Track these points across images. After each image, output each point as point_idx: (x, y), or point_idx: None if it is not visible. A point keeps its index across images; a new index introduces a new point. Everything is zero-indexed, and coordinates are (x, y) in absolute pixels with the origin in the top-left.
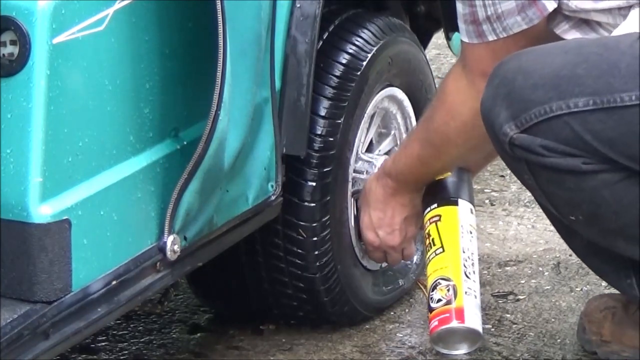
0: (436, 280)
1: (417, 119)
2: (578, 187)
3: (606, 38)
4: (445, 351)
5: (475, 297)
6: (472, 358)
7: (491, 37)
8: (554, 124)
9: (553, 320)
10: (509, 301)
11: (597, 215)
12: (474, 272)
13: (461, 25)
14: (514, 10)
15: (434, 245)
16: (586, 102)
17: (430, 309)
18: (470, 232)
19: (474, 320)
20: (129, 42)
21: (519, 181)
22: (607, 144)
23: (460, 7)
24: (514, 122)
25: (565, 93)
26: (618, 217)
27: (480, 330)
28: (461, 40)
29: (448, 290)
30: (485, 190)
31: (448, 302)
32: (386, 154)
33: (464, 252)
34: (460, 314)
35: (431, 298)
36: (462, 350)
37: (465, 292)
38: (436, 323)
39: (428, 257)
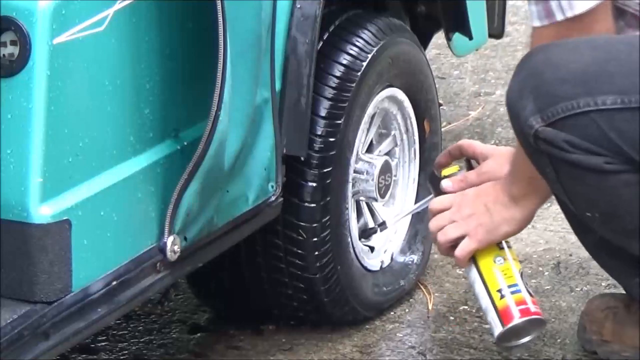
0: (522, 270)
1: (417, 120)
2: (598, 185)
3: (634, 37)
4: (511, 343)
5: None
6: (473, 358)
7: (559, 16)
8: (580, 120)
9: (553, 320)
10: None
11: (614, 214)
12: None
13: (531, 8)
14: None
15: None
16: (614, 101)
17: (530, 294)
18: None
19: None
20: (129, 42)
21: None
22: (631, 144)
23: None
24: (540, 115)
25: (593, 90)
26: (634, 218)
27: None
28: (532, 28)
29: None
30: None
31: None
32: (386, 154)
33: None
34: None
35: (526, 283)
36: (513, 343)
37: None
38: (537, 309)
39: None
